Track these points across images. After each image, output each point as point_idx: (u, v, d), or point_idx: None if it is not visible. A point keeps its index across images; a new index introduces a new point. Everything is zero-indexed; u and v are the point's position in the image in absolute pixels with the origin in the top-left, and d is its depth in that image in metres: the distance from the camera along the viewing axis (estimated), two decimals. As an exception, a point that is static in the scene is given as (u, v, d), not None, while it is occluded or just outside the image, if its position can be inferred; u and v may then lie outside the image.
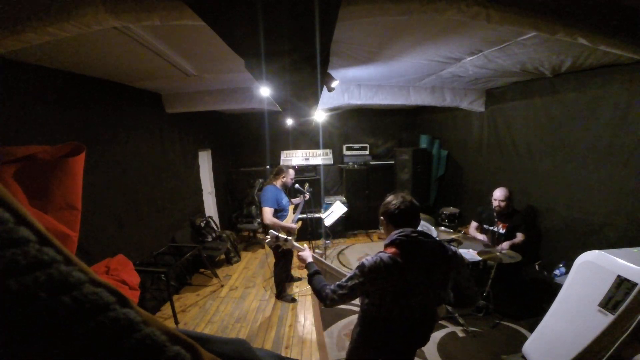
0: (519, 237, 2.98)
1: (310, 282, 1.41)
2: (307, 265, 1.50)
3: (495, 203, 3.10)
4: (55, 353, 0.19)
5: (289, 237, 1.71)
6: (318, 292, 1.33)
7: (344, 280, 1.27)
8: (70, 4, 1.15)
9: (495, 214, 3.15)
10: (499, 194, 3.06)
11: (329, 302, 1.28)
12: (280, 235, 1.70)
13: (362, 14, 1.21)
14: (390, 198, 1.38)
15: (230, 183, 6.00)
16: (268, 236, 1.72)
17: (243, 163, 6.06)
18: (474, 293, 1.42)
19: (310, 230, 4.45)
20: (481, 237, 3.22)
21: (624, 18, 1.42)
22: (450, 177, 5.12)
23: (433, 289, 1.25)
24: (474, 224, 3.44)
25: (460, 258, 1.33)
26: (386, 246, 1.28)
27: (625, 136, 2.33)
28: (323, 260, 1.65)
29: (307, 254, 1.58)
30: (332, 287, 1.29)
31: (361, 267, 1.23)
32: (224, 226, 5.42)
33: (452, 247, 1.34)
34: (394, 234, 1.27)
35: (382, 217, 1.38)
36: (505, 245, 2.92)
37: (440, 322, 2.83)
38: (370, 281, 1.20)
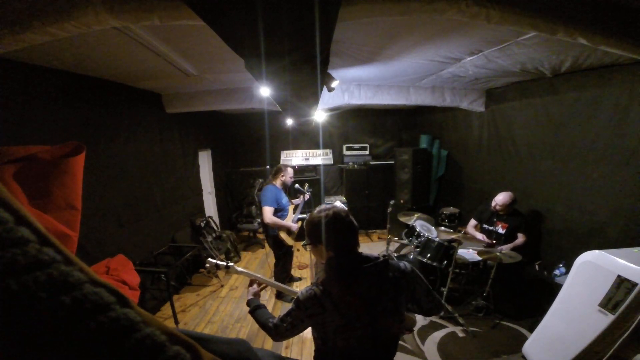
0: (520, 238, 2.99)
1: (253, 317, 1.28)
2: (248, 302, 1.36)
3: (493, 204, 3.10)
4: (55, 353, 0.19)
5: (230, 264, 1.58)
6: (263, 327, 1.22)
7: (284, 314, 1.14)
8: (70, 4, 1.15)
9: (493, 214, 3.16)
10: (500, 199, 3.04)
11: (273, 336, 1.18)
12: (219, 262, 1.58)
13: (362, 14, 1.21)
14: (314, 212, 1.14)
15: (230, 183, 6.00)
16: (207, 264, 1.60)
17: (243, 163, 6.06)
18: (436, 303, 1.24)
19: (310, 230, 4.45)
20: (480, 236, 3.22)
21: (624, 18, 1.42)
22: (450, 177, 5.12)
23: (382, 316, 1.07)
24: (472, 222, 3.44)
25: (411, 275, 1.14)
26: (324, 273, 1.11)
27: (625, 136, 2.33)
28: (272, 281, 1.54)
29: (252, 289, 1.43)
30: (275, 320, 1.17)
31: (296, 301, 1.09)
32: (224, 226, 5.42)
33: (401, 265, 1.14)
34: (328, 261, 1.10)
35: (312, 241, 1.15)
36: (504, 248, 2.92)
37: (440, 322, 2.83)
38: (307, 317, 1.07)
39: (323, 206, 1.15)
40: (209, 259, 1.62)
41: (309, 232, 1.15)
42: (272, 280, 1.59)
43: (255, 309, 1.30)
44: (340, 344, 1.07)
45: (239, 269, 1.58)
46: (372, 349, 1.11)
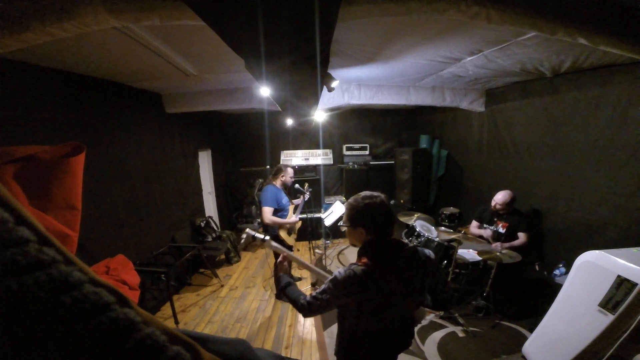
0: (521, 237, 2.98)
1: (284, 294, 1.34)
2: (279, 278, 1.42)
3: (493, 204, 3.11)
4: (55, 353, 0.19)
5: (267, 237, 1.58)
6: (294, 303, 1.27)
7: (318, 291, 1.20)
8: (70, 4, 1.15)
9: (493, 214, 3.17)
10: (500, 197, 3.06)
11: (305, 313, 1.24)
12: (257, 235, 1.57)
13: (362, 14, 1.21)
14: (359, 198, 1.21)
15: (230, 183, 6.00)
16: (244, 235, 1.59)
17: (243, 163, 6.06)
18: (450, 296, 1.36)
19: (310, 230, 4.46)
20: (486, 232, 3.23)
21: (624, 18, 1.42)
22: (450, 177, 5.12)
23: (411, 297, 1.17)
24: (474, 223, 3.45)
25: (435, 262, 1.25)
26: (359, 256, 1.18)
27: (625, 136, 2.33)
28: (304, 261, 1.57)
29: (283, 264, 1.49)
30: (308, 298, 1.24)
31: (334, 280, 1.15)
32: (224, 226, 5.42)
33: (426, 252, 1.24)
34: (367, 243, 1.17)
35: (349, 221, 1.21)
36: (504, 246, 2.92)
37: (440, 322, 2.83)
38: (345, 295, 1.13)
39: (368, 192, 1.22)
40: (248, 230, 1.61)
41: (351, 216, 1.20)
42: (307, 262, 1.61)
43: (287, 285, 1.36)
44: (374, 323, 1.15)
45: (274, 243, 1.59)
46: (400, 330, 1.20)
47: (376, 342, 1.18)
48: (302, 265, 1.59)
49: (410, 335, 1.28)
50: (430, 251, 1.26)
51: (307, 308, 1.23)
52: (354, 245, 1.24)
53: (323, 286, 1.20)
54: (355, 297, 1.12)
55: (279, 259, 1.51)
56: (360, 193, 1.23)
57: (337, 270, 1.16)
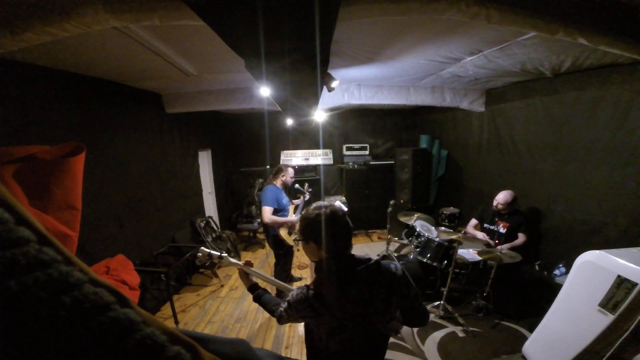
0: (521, 238, 2.99)
1: (259, 304, 1.30)
2: (249, 288, 1.38)
3: (494, 203, 3.11)
4: (55, 353, 0.19)
5: (224, 254, 1.49)
6: (271, 313, 1.25)
7: (283, 308, 1.17)
8: (70, 4, 1.15)
9: (494, 214, 3.17)
10: (501, 197, 3.06)
11: (281, 323, 1.24)
12: (212, 252, 1.48)
13: (362, 14, 1.21)
14: (311, 208, 1.11)
15: (230, 183, 6.00)
16: (199, 254, 1.48)
17: (243, 163, 6.06)
18: (421, 313, 1.19)
19: (310, 230, 4.45)
20: (480, 235, 3.22)
21: (624, 18, 1.42)
22: (450, 177, 5.12)
23: (374, 316, 1.06)
24: (473, 221, 3.44)
25: (402, 279, 1.10)
26: (315, 276, 1.09)
27: (625, 136, 2.33)
28: (262, 273, 1.50)
29: (245, 274, 1.43)
30: (281, 309, 1.19)
31: (289, 301, 1.10)
32: (224, 226, 5.42)
33: (393, 266, 1.10)
34: (321, 263, 1.08)
35: (301, 234, 1.13)
36: (504, 247, 2.93)
37: (440, 322, 2.83)
38: (301, 317, 1.09)
39: (320, 203, 1.12)
40: (202, 248, 1.49)
41: (303, 228, 1.11)
42: (270, 276, 1.54)
43: (260, 294, 1.33)
44: (332, 345, 1.07)
45: (232, 259, 1.48)
46: (364, 349, 1.11)
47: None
48: (263, 279, 1.49)
49: (380, 352, 1.18)
50: (397, 265, 1.12)
51: (279, 320, 1.22)
52: (314, 262, 1.15)
53: (285, 303, 1.16)
54: (309, 320, 1.09)
55: (238, 272, 1.44)
56: (315, 203, 1.14)
57: (293, 290, 1.11)
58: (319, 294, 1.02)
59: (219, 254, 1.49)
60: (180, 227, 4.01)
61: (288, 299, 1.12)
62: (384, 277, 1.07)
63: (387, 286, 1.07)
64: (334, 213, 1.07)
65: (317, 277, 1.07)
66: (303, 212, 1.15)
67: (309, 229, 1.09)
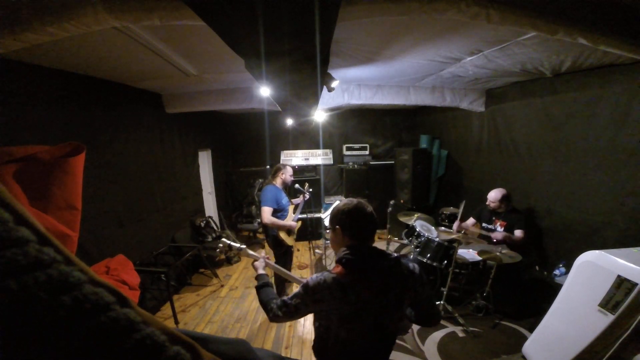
0: (518, 233, 2.98)
1: (258, 293, 1.32)
2: (258, 277, 1.41)
3: (487, 202, 3.14)
4: (55, 353, 0.19)
5: (243, 246, 1.57)
6: (264, 305, 1.25)
7: (289, 297, 1.17)
8: (70, 4, 1.15)
9: (491, 213, 3.18)
10: (492, 195, 3.10)
11: (271, 317, 1.21)
12: (233, 244, 1.57)
13: (362, 14, 1.21)
14: (343, 202, 1.19)
15: (230, 183, 6.00)
16: (220, 244, 1.57)
17: (243, 163, 6.06)
18: (434, 314, 1.24)
19: (310, 230, 4.46)
20: (477, 230, 3.24)
21: (624, 18, 1.42)
22: (450, 177, 5.12)
23: (387, 309, 1.10)
24: (471, 220, 3.46)
25: (419, 278, 1.15)
26: (336, 264, 1.14)
27: (625, 136, 2.33)
28: (280, 268, 1.54)
29: (260, 263, 1.50)
30: (279, 302, 1.20)
31: (305, 286, 1.11)
32: (223, 226, 5.42)
33: (411, 265, 1.17)
34: (343, 250, 1.13)
35: (332, 225, 1.19)
36: (499, 235, 2.93)
37: (440, 322, 2.83)
38: (313, 302, 1.09)
39: (347, 199, 1.21)
40: (223, 239, 1.62)
41: (332, 217, 1.19)
42: (284, 269, 1.62)
43: (263, 285, 1.34)
44: (343, 334, 1.09)
45: (250, 252, 1.58)
46: (372, 343, 1.13)
47: (345, 352, 1.13)
48: (280, 273, 1.58)
49: (386, 350, 1.19)
50: (416, 265, 1.18)
51: (273, 312, 1.19)
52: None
53: (295, 291, 1.16)
54: (323, 305, 1.09)
55: (252, 261, 1.52)
56: (349, 197, 1.23)
57: (310, 276, 1.14)
58: (338, 278, 1.06)
59: (238, 245, 1.59)
60: (180, 227, 4.01)
61: (304, 283, 1.14)
62: (402, 273, 1.13)
63: (403, 282, 1.12)
64: (362, 204, 1.16)
65: (340, 265, 1.11)
66: (337, 205, 1.22)
67: (338, 216, 1.16)
